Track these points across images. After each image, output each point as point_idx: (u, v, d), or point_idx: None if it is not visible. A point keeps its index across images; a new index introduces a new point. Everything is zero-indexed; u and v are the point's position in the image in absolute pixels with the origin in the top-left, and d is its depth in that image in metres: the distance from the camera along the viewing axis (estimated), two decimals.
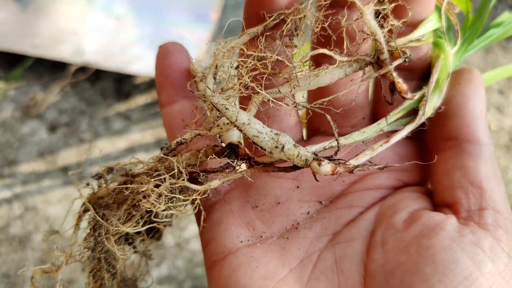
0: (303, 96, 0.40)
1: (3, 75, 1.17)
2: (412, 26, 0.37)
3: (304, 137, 0.42)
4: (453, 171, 0.36)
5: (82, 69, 1.12)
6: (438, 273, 0.32)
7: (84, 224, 0.37)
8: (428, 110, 0.36)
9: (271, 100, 0.33)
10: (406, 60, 0.34)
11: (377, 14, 0.35)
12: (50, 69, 1.17)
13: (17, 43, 1.11)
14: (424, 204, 0.38)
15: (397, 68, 0.37)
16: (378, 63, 0.34)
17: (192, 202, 0.34)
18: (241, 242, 0.37)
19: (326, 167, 0.31)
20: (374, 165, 0.33)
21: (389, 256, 0.34)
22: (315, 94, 0.38)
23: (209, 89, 0.32)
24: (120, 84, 1.15)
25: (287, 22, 0.33)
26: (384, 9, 0.34)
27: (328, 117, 0.33)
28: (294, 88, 0.34)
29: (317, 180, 0.34)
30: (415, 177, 0.41)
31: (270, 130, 0.32)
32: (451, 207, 0.36)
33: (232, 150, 0.34)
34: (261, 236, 0.38)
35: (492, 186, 0.35)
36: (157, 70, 0.40)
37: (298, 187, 0.39)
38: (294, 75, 0.33)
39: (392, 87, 0.35)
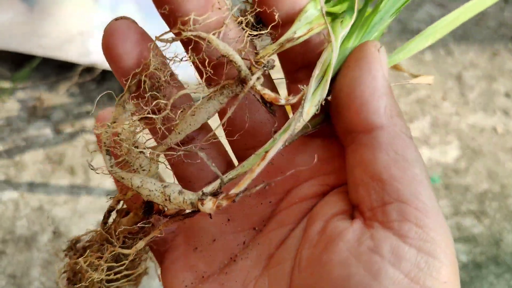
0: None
1: (9, 75, 1.17)
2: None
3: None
4: (354, 168, 0.32)
5: (88, 69, 1.12)
6: None
7: None
8: (308, 109, 0.33)
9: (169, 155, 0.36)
10: (266, 69, 0.34)
11: (247, 24, 0.35)
12: (56, 69, 1.17)
13: (24, 44, 1.11)
14: (343, 206, 0.34)
15: (302, 68, 0.37)
16: (242, 82, 0.34)
17: (132, 262, 0.39)
18: (186, 286, 0.38)
19: (208, 204, 0.32)
20: (255, 186, 0.32)
21: (301, 277, 0.32)
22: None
23: (108, 163, 0.35)
24: None
25: (143, 81, 0.34)
26: (241, 21, 0.34)
27: (202, 154, 0.34)
28: (180, 134, 0.35)
29: (211, 218, 0.34)
30: (342, 177, 0.36)
31: (160, 185, 0.34)
32: (358, 207, 0.32)
33: (147, 208, 0.36)
34: (203, 277, 0.38)
35: (394, 174, 0.30)
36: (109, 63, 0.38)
37: (229, 220, 0.38)
38: (174, 122, 0.35)
39: (262, 99, 0.35)
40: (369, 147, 0.31)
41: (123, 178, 0.35)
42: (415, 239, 0.29)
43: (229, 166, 0.41)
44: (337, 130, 0.35)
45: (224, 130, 0.39)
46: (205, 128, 0.39)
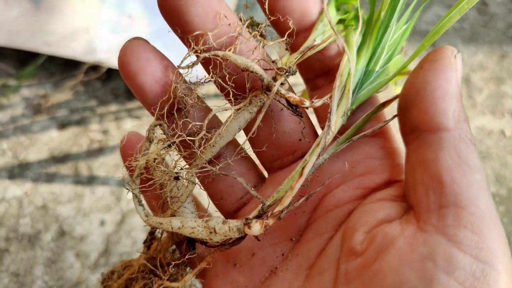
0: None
1: (15, 72, 1.16)
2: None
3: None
4: (415, 167, 0.32)
5: (94, 68, 1.12)
6: None
7: None
8: (336, 121, 0.34)
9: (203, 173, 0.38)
10: (288, 75, 0.35)
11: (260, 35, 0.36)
12: (61, 67, 1.16)
13: (30, 41, 1.10)
14: (388, 212, 0.34)
15: (321, 77, 0.38)
16: (267, 89, 0.35)
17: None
18: None
19: (256, 226, 0.33)
20: (298, 199, 0.34)
21: (350, 287, 0.32)
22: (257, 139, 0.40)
23: (142, 214, 0.37)
24: None
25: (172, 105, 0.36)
26: (255, 34, 0.36)
27: (240, 179, 0.35)
28: (214, 147, 0.37)
29: (258, 240, 0.35)
30: (381, 177, 0.36)
31: (201, 221, 0.35)
32: (415, 208, 0.32)
33: (189, 241, 0.38)
34: None
35: (455, 178, 0.30)
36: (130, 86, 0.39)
37: (265, 233, 0.38)
38: (211, 138, 0.37)
39: (288, 103, 0.35)
40: (432, 147, 0.31)
41: (161, 224, 0.36)
42: (470, 246, 0.28)
43: (260, 178, 0.41)
44: (401, 129, 0.34)
45: (250, 143, 0.40)
46: (231, 144, 0.39)
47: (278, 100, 0.36)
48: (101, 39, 1.12)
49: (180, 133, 0.35)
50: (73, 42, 1.11)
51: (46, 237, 1.00)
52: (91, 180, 1.05)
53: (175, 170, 0.36)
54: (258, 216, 0.34)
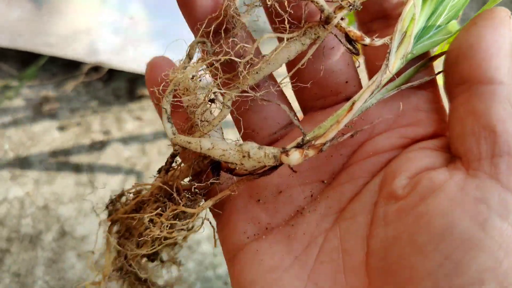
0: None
1: (16, 73, 1.17)
2: None
3: (300, 115, 0.40)
4: (465, 118, 0.32)
5: (95, 68, 1.12)
6: (433, 241, 0.28)
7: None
8: (394, 62, 0.33)
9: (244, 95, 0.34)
10: (352, 8, 0.33)
11: None
12: (63, 68, 1.17)
13: (31, 42, 1.11)
14: (433, 161, 0.33)
15: (376, 21, 0.36)
16: (326, 21, 0.33)
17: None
18: (248, 238, 0.37)
19: (295, 155, 0.31)
20: (342, 135, 0.32)
21: (389, 230, 0.32)
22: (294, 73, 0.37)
23: (169, 131, 0.35)
24: (133, 85, 1.14)
25: (217, 26, 0.34)
26: None
27: (284, 106, 0.33)
28: (257, 74, 0.34)
29: (294, 171, 0.34)
30: (426, 130, 0.36)
31: (235, 144, 0.33)
32: (463, 158, 0.32)
33: (214, 167, 0.36)
34: (267, 228, 0.37)
35: (508, 128, 0.30)
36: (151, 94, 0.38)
37: (295, 171, 0.37)
38: (253, 65, 0.35)
39: (347, 38, 0.34)
40: (486, 98, 0.31)
41: (189, 143, 0.34)
42: None
43: (289, 122, 0.39)
44: (447, 82, 0.34)
45: (293, 78, 0.38)
46: (270, 78, 0.38)
47: (335, 35, 0.35)
48: (102, 40, 1.13)
49: (228, 50, 0.34)
50: (75, 43, 1.11)
51: (47, 238, 1.00)
52: (92, 181, 1.05)
53: (213, 91, 0.34)
54: (298, 146, 0.32)
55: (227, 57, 0.34)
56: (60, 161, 1.08)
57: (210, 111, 0.35)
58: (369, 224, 0.33)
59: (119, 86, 1.16)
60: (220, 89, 0.34)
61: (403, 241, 0.30)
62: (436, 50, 0.39)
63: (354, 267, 0.33)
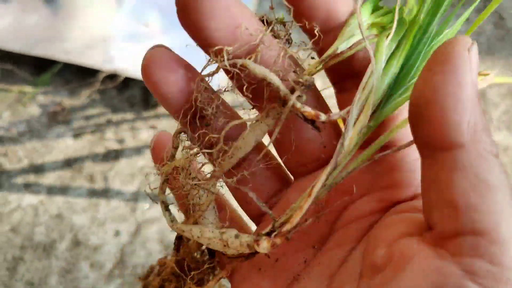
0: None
1: (31, 79, 1.16)
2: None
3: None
4: (430, 188, 0.29)
5: (111, 76, 1.11)
6: None
7: None
8: (351, 138, 0.32)
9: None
10: (304, 88, 0.33)
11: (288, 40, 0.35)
12: (78, 75, 1.16)
13: (47, 48, 1.10)
14: (409, 227, 0.32)
15: (348, 80, 0.36)
16: (284, 103, 0.34)
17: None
18: None
19: (264, 244, 0.33)
20: (305, 221, 0.33)
21: None
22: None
23: (168, 219, 0.38)
24: (148, 93, 1.14)
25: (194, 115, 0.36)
26: (279, 39, 0.35)
27: (251, 194, 0.34)
28: (232, 158, 0.37)
29: (268, 257, 0.35)
30: (405, 191, 0.34)
31: (218, 232, 0.35)
32: (431, 230, 0.30)
33: (210, 252, 0.39)
34: None
35: (471, 202, 0.27)
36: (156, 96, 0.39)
37: (288, 239, 0.39)
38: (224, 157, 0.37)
39: (304, 117, 0.34)
40: (446, 168, 0.28)
41: (183, 231, 0.37)
42: (486, 278, 0.26)
43: (285, 182, 0.41)
44: (415, 140, 0.31)
45: (275, 149, 0.39)
46: (257, 148, 0.39)
47: (295, 113, 0.34)
48: (118, 47, 1.12)
49: (194, 146, 0.36)
50: (91, 51, 1.11)
51: (61, 246, 1.00)
52: (106, 190, 1.05)
53: (193, 182, 0.36)
54: (270, 233, 0.34)
55: (199, 151, 0.36)
56: (74, 169, 1.08)
57: (199, 197, 0.37)
58: None
59: (133, 94, 1.15)
60: (201, 177, 0.37)
61: None
62: None
63: None
